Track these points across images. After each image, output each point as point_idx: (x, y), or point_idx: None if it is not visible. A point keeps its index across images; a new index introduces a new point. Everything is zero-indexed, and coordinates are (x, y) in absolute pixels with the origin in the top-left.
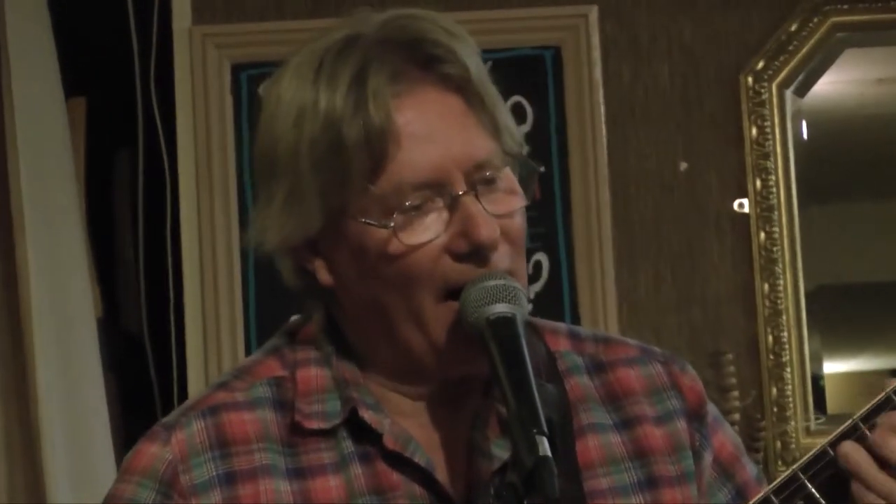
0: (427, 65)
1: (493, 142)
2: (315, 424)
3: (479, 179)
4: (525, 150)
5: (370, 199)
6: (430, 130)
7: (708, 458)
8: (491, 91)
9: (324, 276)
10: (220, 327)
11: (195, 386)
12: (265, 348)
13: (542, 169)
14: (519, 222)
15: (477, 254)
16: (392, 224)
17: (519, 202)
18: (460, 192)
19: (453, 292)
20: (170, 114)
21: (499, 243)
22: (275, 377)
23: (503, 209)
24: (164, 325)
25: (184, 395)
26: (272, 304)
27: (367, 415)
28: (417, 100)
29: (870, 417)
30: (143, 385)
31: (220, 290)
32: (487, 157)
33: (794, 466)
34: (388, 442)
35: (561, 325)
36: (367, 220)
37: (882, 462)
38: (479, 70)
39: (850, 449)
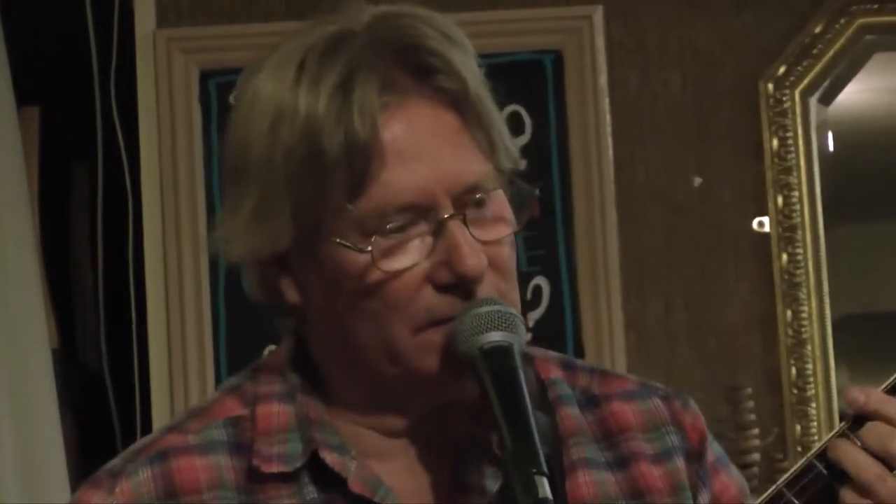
0: (420, 75)
1: (487, 163)
2: (275, 468)
3: (469, 203)
4: (520, 166)
5: (348, 219)
6: (419, 149)
7: (703, 500)
8: (488, 105)
9: (291, 295)
10: (186, 359)
11: (160, 424)
12: (225, 386)
13: (537, 192)
14: (507, 251)
15: (460, 285)
16: (370, 248)
17: (504, 230)
18: (446, 216)
19: (436, 322)
20: (132, 125)
21: (485, 273)
22: (231, 417)
23: (490, 236)
24: (126, 356)
25: (148, 433)
26: (244, 335)
27: (329, 458)
28: (407, 114)
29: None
30: (102, 423)
31: (188, 318)
32: (479, 179)
33: (779, 483)
34: (355, 486)
35: (552, 354)
36: (343, 242)
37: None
38: (476, 82)
39: (847, 446)
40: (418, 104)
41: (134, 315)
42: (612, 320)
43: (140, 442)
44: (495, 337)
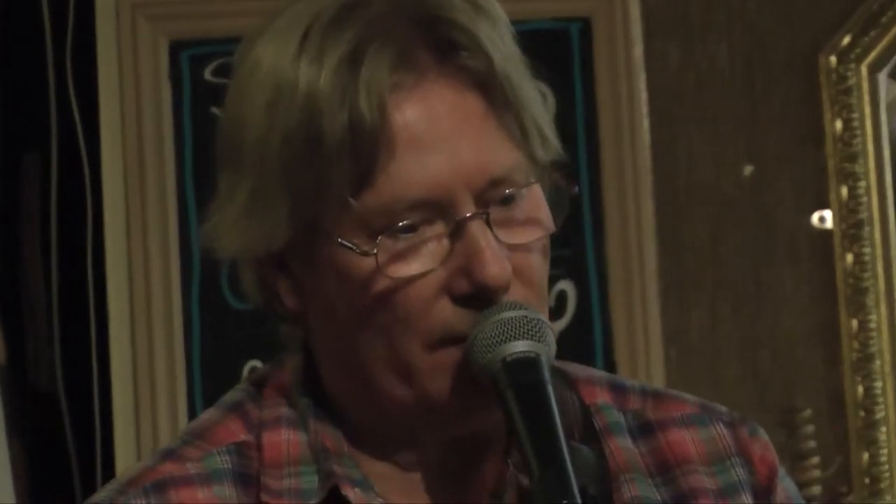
0: (441, 51)
1: (517, 151)
2: None
3: (494, 199)
4: (561, 156)
5: (351, 215)
6: (435, 136)
7: None
8: (520, 86)
9: (289, 300)
10: (154, 378)
11: (124, 453)
12: (224, 403)
13: (577, 190)
14: (536, 259)
15: (481, 296)
16: (376, 251)
17: (536, 233)
18: (467, 216)
19: (453, 339)
20: (91, 106)
21: (511, 283)
22: (235, 443)
23: (517, 239)
24: (84, 376)
25: (109, 464)
26: (221, 350)
27: (352, 494)
28: (423, 95)
29: None
30: (57, 452)
31: (156, 331)
32: (507, 171)
33: None
34: None
35: (599, 373)
36: (345, 242)
37: None
38: (505, 60)
39: None
40: (437, 85)
41: (93, 326)
42: (648, 332)
43: (131, 471)
44: (520, 347)
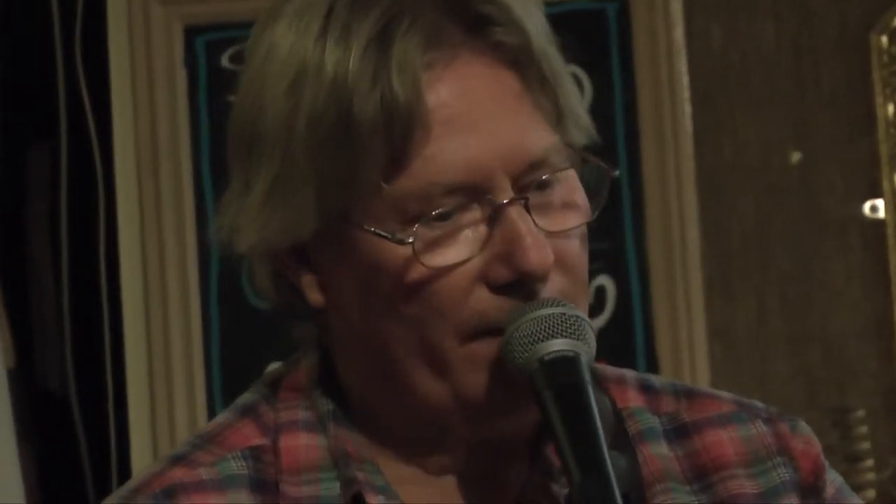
0: (473, 27)
1: (554, 133)
2: None
3: (531, 184)
4: (593, 138)
5: (384, 202)
6: (471, 116)
7: None
8: (554, 64)
9: (313, 294)
10: (172, 380)
11: (140, 459)
12: (237, 406)
13: (617, 172)
14: (576, 245)
15: (521, 285)
16: (412, 239)
17: (575, 219)
18: (504, 201)
19: (489, 331)
20: (102, 94)
21: (551, 271)
22: (250, 447)
23: (557, 226)
24: (97, 379)
25: (125, 471)
26: (242, 350)
27: (375, 502)
28: (457, 74)
29: None
30: (68, 458)
31: (173, 330)
32: (544, 154)
33: None
34: None
35: (629, 373)
36: (379, 231)
37: None
38: (540, 35)
39: None
40: (471, 62)
41: (107, 326)
42: (692, 328)
43: (138, 478)
44: (559, 345)
